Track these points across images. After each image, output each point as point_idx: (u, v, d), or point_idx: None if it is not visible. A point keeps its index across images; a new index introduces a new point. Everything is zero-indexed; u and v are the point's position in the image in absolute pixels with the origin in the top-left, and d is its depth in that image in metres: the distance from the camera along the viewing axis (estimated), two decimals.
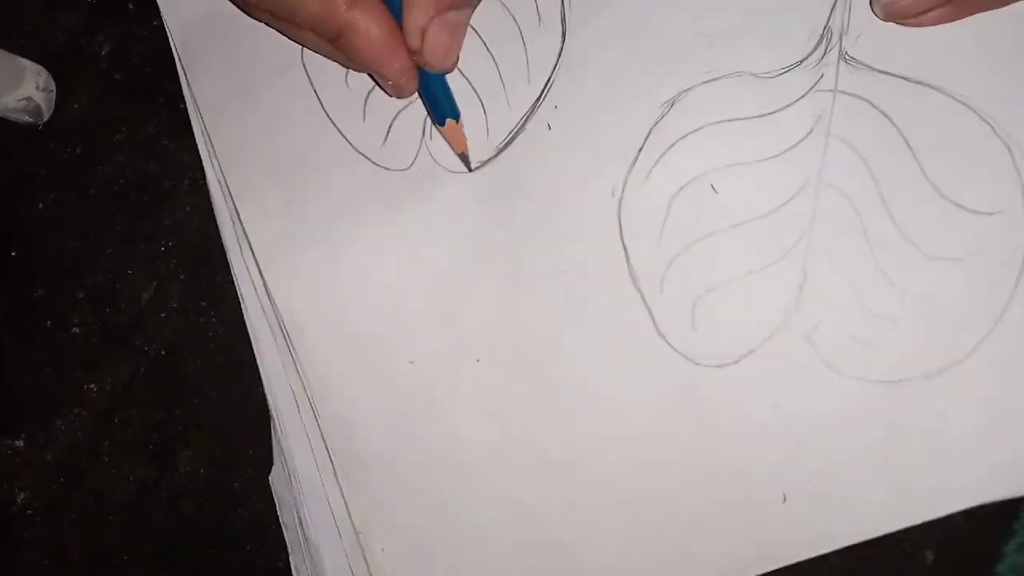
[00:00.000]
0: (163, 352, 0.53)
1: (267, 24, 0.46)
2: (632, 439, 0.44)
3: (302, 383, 0.48)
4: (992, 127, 0.41)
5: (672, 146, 0.44)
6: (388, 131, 0.48)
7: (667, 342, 0.44)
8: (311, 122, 0.49)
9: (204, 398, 0.53)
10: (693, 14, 0.44)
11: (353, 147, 0.48)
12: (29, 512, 0.54)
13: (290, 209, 0.49)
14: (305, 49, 0.49)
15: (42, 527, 0.54)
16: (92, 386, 0.54)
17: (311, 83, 0.49)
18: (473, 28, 0.46)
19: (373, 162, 0.48)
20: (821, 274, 0.43)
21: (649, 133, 0.44)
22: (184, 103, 0.53)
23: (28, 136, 0.55)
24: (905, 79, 0.42)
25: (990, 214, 0.41)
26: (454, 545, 0.47)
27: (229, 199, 0.50)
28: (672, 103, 0.44)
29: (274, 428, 0.50)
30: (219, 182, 0.50)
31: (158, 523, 0.53)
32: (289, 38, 0.47)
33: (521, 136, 0.46)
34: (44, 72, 0.54)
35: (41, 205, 0.55)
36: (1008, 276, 0.40)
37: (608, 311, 0.45)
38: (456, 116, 0.44)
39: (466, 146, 0.45)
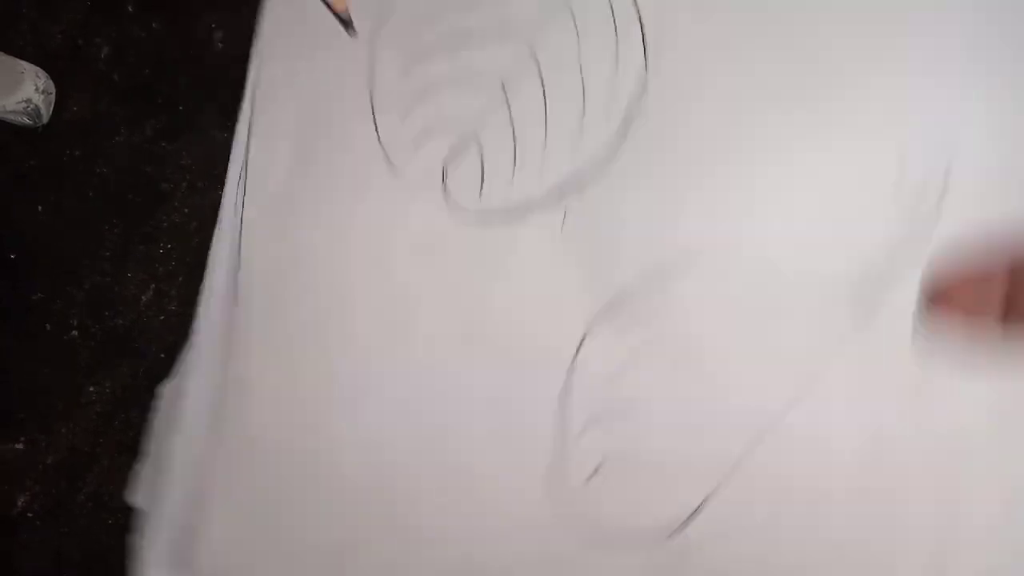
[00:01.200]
0: (162, 354, 0.53)
1: None
2: None
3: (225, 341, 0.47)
4: None
5: None
6: (417, 141, 0.47)
7: None
8: (354, 104, 0.48)
9: None
10: None
11: (379, 140, 0.47)
12: (29, 515, 0.54)
13: (294, 171, 0.48)
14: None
15: (42, 529, 0.54)
16: (92, 388, 0.54)
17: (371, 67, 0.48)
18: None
19: (389, 159, 0.47)
20: None
21: None
22: (183, 105, 0.53)
23: (27, 138, 0.55)
24: None
25: None
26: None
27: (245, 149, 0.48)
28: None
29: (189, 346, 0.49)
30: (246, 131, 0.48)
31: None
32: None
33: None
34: (43, 75, 0.54)
35: (40, 207, 0.55)
36: None
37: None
38: None
39: (345, 5, 0.44)
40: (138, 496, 0.48)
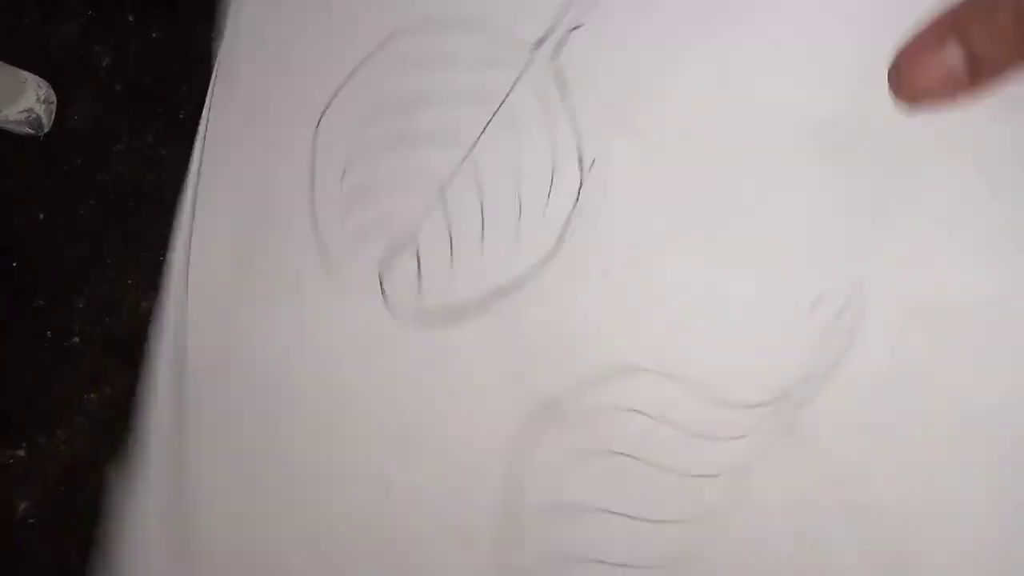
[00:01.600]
0: None
1: None
2: None
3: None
4: None
5: None
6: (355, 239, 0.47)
7: None
8: (293, 194, 0.48)
9: None
10: None
11: (315, 236, 0.47)
12: (30, 521, 0.55)
13: (236, 261, 0.48)
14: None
15: (43, 536, 0.54)
16: (93, 395, 0.54)
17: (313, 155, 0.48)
18: None
19: (328, 256, 0.47)
20: None
21: None
22: (183, 112, 0.54)
23: (29, 147, 0.55)
24: None
25: None
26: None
27: (188, 232, 0.49)
28: None
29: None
30: (189, 212, 0.49)
31: None
32: None
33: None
34: (45, 84, 0.55)
35: (42, 216, 0.55)
36: None
37: None
38: None
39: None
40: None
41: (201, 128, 0.51)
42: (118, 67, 0.55)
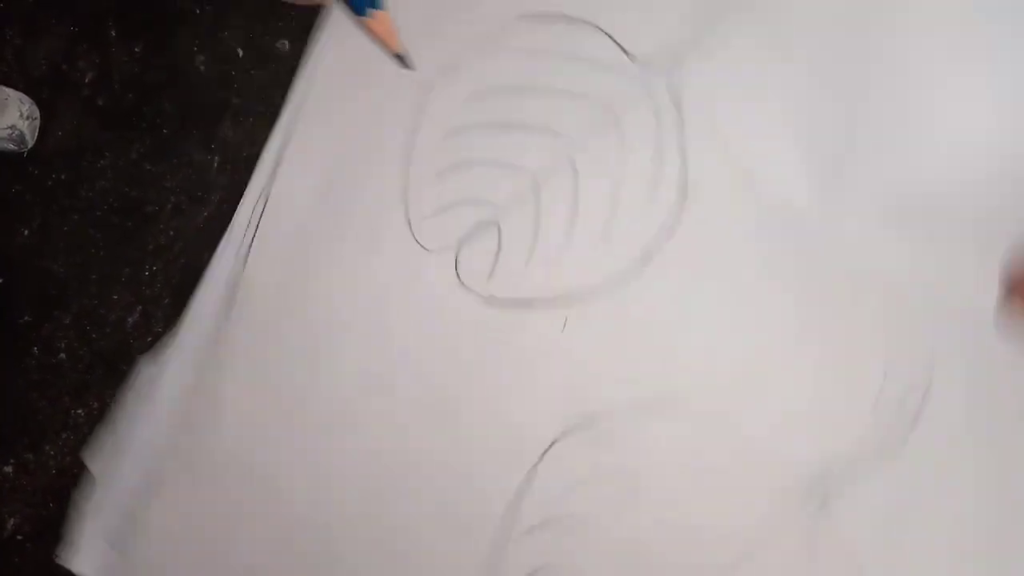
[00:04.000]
0: None
1: None
2: None
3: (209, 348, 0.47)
4: None
5: None
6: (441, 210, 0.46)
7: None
8: (390, 149, 0.47)
9: None
10: None
11: (406, 194, 0.46)
12: (19, 537, 0.55)
13: (317, 204, 0.47)
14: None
15: (33, 551, 0.54)
16: (80, 411, 0.54)
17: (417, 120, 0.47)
18: None
19: (410, 217, 0.46)
20: None
21: None
22: (166, 128, 0.54)
23: (12, 163, 0.55)
24: None
25: None
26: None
27: (272, 170, 0.48)
28: None
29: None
30: (275, 153, 0.48)
31: None
32: None
33: None
34: (28, 100, 0.55)
35: (26, 231, 0.55)
36: None
37: None
38: (379, 5, 0.43)
39: (398, 42, 0.44)
40: (94, 461, 0.48)
41: (307, 64, 0.50)
42: (101, 83, 0.55)
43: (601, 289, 0.45)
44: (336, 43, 0.49)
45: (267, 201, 0.48)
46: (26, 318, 0.55)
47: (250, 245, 0.48)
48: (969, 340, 0.40)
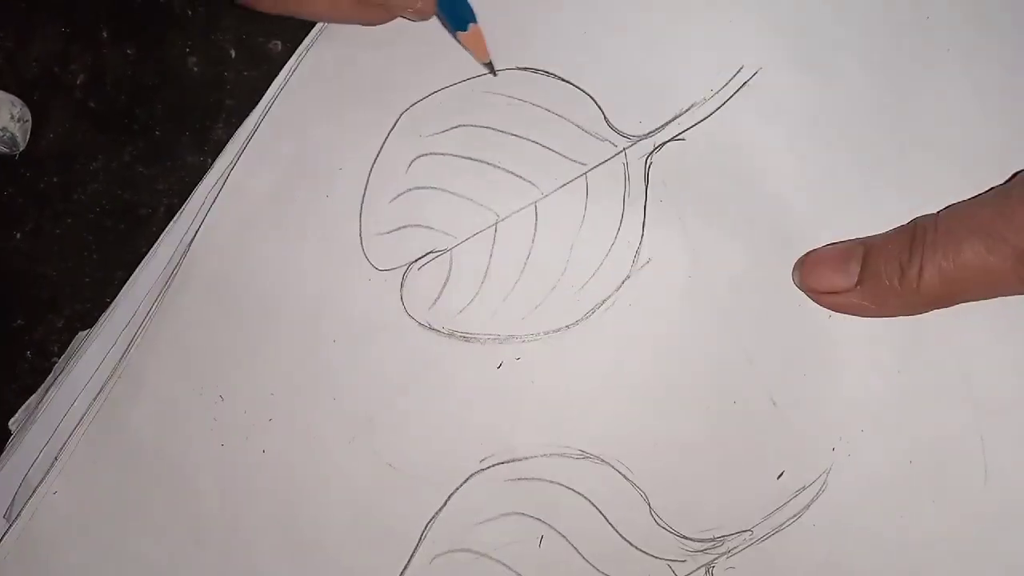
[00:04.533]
0: None
1: (281, 11, 0.46)
2: None
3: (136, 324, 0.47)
4: None
5: None
6: (393, 231, 0.46)
7: None
8: (354, 162, 0.47)
9: None
10: None
11: (361, 206, 0.46)
12: None
13: (269, 200, 0.47)
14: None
15: None
16: None
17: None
18: None
19: (362, 230, 0.46)
20: None
21: None
22: (159, 130, 0.54)
23: (3, 166, 0.55)
24: None
25: None
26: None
27: (232, 160, 0.48)
28: None
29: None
30: (240, 144, 0.48)
31: None
32: (306, 14, 0.47)
33: None
34: (19, 103, 0.55)
35: (18, 235, 0.55)
36: None
37: None
38: (474, 19, 0.44)
39: (488, 52, 0.45)
40: (13, 422, 0.48)
41: (292, 60, 0.50)
42: (94, 85, 0.55)
43: (540, 338, 0.47)
44: (326, 45, 0.49)
45: (222, 189, 0.48)
46: (19, 322, 0.55)
47: (196, 231, 0.48)
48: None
